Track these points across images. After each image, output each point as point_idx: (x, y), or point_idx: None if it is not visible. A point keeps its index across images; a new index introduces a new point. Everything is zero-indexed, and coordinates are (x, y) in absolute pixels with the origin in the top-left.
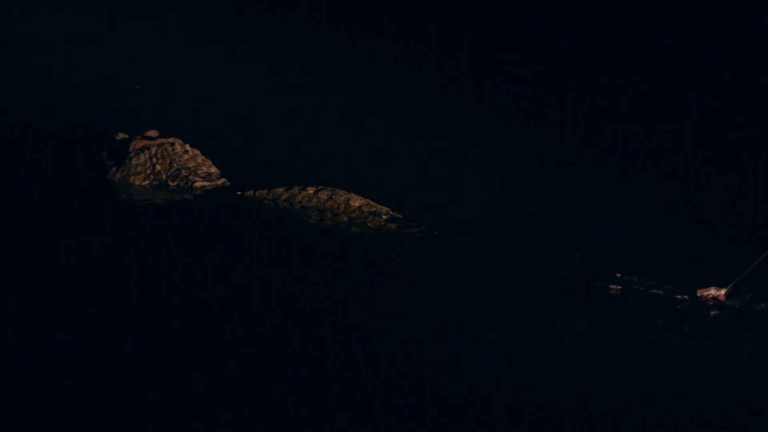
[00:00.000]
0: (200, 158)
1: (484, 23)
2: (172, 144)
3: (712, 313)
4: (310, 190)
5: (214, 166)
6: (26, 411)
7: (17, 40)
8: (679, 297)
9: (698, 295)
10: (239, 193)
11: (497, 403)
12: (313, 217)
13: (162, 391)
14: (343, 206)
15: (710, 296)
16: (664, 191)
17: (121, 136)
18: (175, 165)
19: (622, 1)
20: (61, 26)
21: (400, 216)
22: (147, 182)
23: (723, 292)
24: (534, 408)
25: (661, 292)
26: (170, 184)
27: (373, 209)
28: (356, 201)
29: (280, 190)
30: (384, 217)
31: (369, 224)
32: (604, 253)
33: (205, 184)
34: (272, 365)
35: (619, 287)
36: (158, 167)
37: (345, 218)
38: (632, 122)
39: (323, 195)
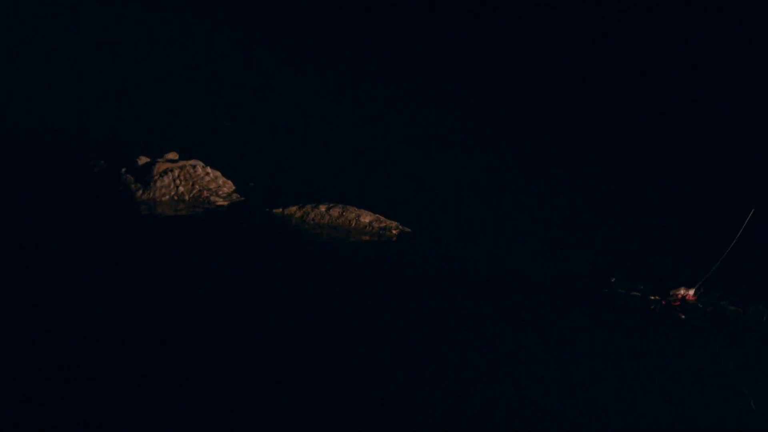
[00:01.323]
0: (221, 179)
1: (475, 33)
2: (194, 166)
3: (679, 313)
4: (322, 208)
5: (233, 186)
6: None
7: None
8: (653, 298)
9: (670, 294)
10: (256, 211)
11: (492, 409)
12: (325, 233)
13: (170, 392)
14: (354, 222)
15: (680, 296)
16: (646, 199)
17: (143, 160)
18: (197, 186)
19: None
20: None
21: (409, 230)
22: (172, 203)
23: (691, 292)
24: (529, 415)
25: (638, 294)
26: (193, 204)
27: (383, 224)
28: (366, 217)
29: (293, 208)
30: (394, 231)
31: (379, 239)
32: (599, 259)
33: (225, 203)
34: (283, 373)
35: (605, 290)
36: (181, 188)
37: (356, 233)
38: (618, 141)
39: (335, 212)
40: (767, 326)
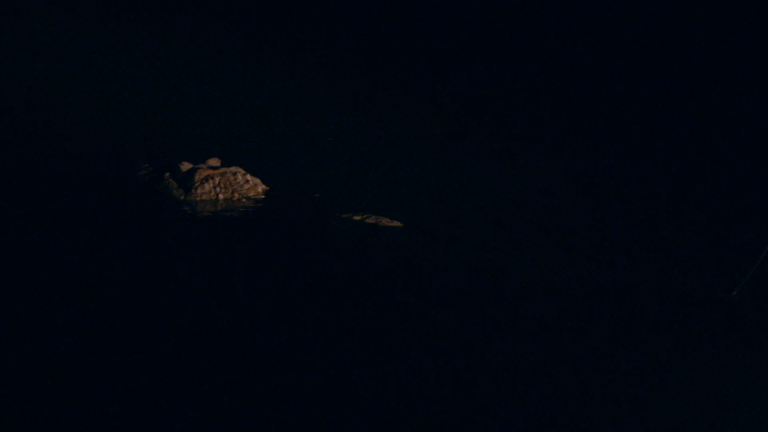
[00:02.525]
0: (260, 186)
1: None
2: (234, 173)
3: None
4: (357, 218)
5: (272, 192)
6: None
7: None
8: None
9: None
10: (293, 216)
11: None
12: (360, 240)
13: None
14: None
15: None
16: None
17: (186, 166)
18: (236, 194)
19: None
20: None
21: (442, 235)
22: (211, 208)
23: (734, 293)
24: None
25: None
26: (231, 209)
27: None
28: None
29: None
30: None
31: (412, 247)
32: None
33: (262, 208)
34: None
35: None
36: (221, 195)
37: (386, 242)
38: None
39: (369, 222)
40: None
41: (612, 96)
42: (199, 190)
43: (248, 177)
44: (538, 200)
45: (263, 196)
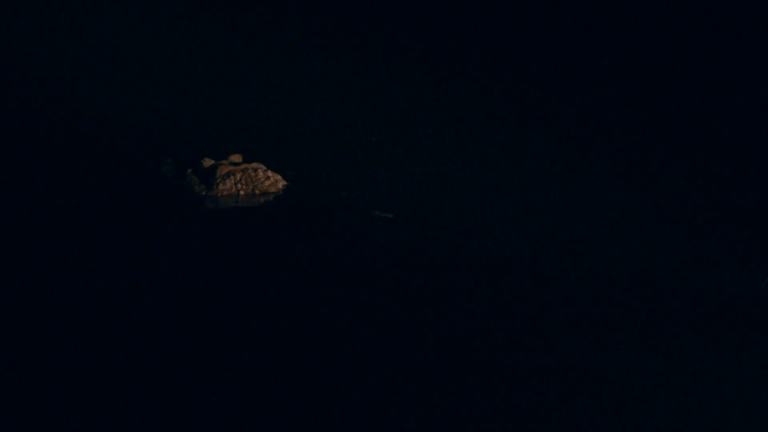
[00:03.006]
0: (281, 183)
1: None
2: (255, 170)
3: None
4: (380, 214)
5: (290, 188)
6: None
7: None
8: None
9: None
10: (309, 214)
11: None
12: (382, 236)
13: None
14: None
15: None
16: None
17: (208, 162)
18: (257, 191)
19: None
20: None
21: (459, 234)
22: (232, 204)
23: (764, 284)
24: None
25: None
26: (251, 205)
27: (432, 232)
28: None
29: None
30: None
31: (430, 247)
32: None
33: (280, 205)
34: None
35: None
36: (242, 192)
37: (405, 239)
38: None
39: (387, 216)
40: None
41: (612, 87)
42: (220, 186)
43: (269, 173)
44: (540, 195)
45: (283, 192)
